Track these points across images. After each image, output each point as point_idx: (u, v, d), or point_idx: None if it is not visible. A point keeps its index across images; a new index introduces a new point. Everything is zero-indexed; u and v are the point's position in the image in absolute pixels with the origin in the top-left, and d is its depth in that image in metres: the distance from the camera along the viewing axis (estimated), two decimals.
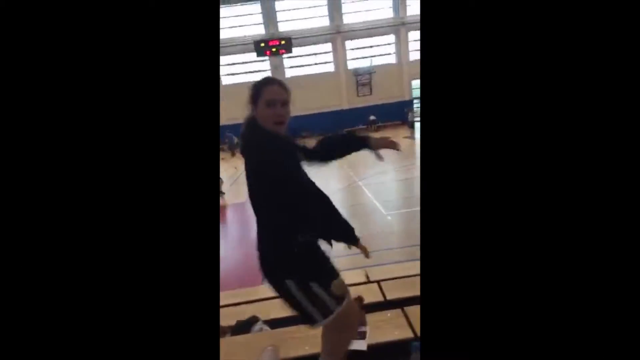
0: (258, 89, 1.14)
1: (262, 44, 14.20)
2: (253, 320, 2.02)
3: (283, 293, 1.21)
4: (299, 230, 1.13)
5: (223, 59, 15.26)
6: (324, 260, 1.21)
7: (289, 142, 1.18)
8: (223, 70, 15.50)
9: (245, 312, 2.09)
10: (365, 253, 1.24)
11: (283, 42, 14.23)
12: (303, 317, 1.22)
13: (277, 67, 15.29)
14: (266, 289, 2.37)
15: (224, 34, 14.94)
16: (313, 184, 1.14)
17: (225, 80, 15.44)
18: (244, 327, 1.97)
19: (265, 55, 14.51)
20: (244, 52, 15.25)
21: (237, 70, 15.71)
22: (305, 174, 1.15)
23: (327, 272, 1.20)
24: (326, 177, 5.03)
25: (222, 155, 10.05)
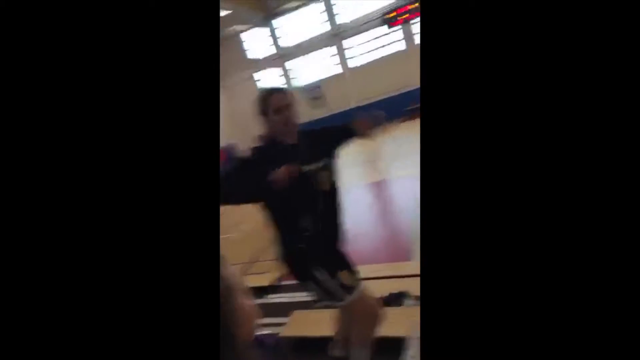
0: (265, 99, 1.30)
1: (392, 14, 13.54)
2: (402, 295, 2.06)
3: (299, 275, 1.40)
4: (299, 231, 1.31)
5: (346, 42, 15.32)
6: (333, 253, 1.40)
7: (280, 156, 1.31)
8: (351, 53, 15.57)
9: (393, 287, 2.14)
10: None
11: (412, 6, 13.19)
12: (316, 298, 1.40)
13: (410, 36, 14.35)
14: (414, 266, 2.35)
15: (350, 17, 14.84)
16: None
17: (350, 63, 15.40)
18: (394, 300, 2.04)
19: (396, 25, 13.81)
20: (373, 29, 14.92)
21: (367, 49, 15.52)
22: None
23: (337, 263, 1.37)
24: None
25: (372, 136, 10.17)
